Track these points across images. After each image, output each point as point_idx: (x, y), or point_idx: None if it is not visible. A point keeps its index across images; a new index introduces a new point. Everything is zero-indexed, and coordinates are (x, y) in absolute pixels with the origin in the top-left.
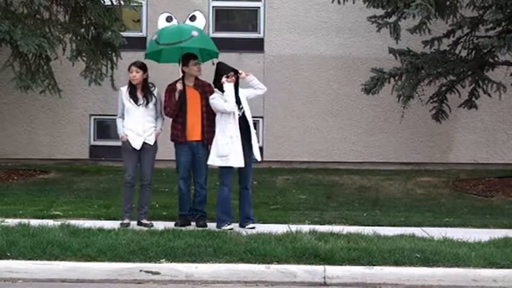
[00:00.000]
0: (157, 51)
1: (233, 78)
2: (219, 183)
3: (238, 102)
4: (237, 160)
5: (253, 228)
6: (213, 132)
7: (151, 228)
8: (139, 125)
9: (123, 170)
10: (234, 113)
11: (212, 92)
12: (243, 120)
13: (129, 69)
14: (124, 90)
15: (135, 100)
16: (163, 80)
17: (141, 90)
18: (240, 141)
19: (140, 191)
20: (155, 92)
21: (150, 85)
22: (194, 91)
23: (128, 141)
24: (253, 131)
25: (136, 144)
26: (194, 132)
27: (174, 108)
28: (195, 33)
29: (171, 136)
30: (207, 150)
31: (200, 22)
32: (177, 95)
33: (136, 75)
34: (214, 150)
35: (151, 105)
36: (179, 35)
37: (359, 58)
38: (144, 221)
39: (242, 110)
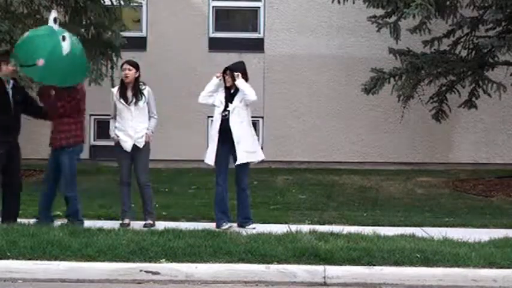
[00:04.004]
0: None
1: (228, 77)
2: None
3: (230, 101)
4: (208, 157)
5: (253, 228)
6: (61, 136)
7: (152, 228)
8: (130, 127)
9: (118, 170)
10: (219, 112)
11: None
12: (226, 122)
13: (121, 68)
14: (115, 91)
15: (125, 100)
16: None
17: (131, 89)
18: (216, 141)
19: (139, 192)
20: (146, 91)
21: (141, 83)
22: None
23: (119, 142)
24: (236, 136)
25: (127, 146)
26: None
27: None
28: (40, 62)
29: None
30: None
31: (65, 46)
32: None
33: (129, 73)
34: None
35: (141, 104)
36: (26, 57)
37: (359, 58)
38: (147, 221)
39: (226, 116)
